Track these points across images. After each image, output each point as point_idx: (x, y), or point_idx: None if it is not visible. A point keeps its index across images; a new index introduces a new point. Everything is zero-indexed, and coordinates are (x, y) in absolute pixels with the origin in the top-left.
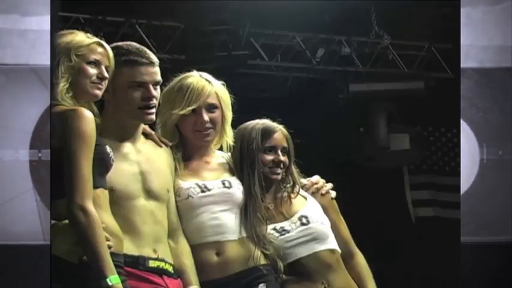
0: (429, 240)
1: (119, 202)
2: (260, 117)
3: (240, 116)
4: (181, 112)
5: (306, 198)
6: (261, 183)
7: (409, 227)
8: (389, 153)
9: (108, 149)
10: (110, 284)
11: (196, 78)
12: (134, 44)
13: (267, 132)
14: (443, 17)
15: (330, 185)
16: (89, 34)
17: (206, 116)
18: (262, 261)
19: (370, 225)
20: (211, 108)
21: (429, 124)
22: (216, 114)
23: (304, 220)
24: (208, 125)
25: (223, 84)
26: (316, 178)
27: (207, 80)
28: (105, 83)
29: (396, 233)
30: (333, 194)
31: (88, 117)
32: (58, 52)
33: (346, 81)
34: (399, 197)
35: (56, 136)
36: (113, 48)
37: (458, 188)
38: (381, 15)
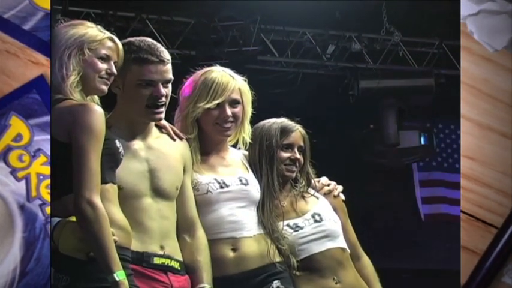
0: (438, 237)
1: (126, 200)
2: (278, 116)
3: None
4: (207, 106)
5: (317, 198)
6: (279, 180)
7: (418, 224)
8: (399, 150)
9: (117, 143)
10: (117, 279)
11: (221, 73)
12: (147, 40)
13: (285, 130)
14: (454, 14)
15: (340, 188)
16: (100, 27)
17: (229, 111)
18: (277, 258)
19: (379, 222)
20: (234, 103)
21: (439, 121)
22: (238, 109)
23: (317, 217)
24: (230, 119)
25: (245, 80)
26: (326, 180)
27: (230, 75)
28: (111, 79)
29: (405, 230)
30: (343, 196)
31: (98, 112)
32: (70, 44)
33: (356, 77)
34: (408, 194)
35: (63, 131)
36: (124, 44)
37: None
38: (391, 11)
